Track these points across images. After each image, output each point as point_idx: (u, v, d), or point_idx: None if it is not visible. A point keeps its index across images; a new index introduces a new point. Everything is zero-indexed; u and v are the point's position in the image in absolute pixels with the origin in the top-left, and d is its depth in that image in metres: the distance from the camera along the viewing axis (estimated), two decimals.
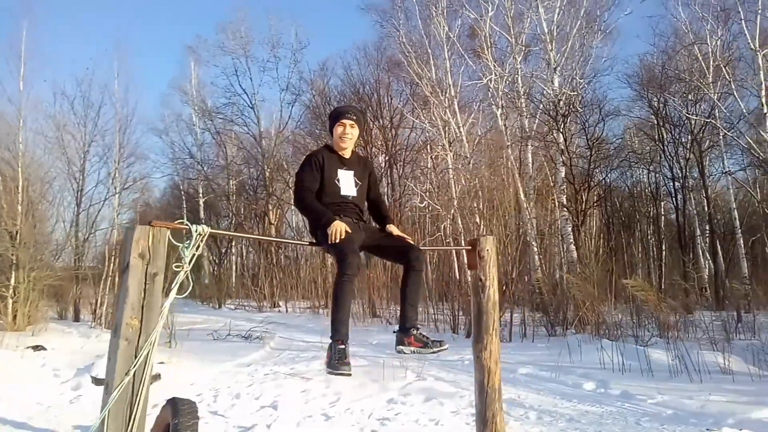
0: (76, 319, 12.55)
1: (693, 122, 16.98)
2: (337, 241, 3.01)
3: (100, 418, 2.42)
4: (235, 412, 5.94)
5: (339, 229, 3.01)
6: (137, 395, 2.49)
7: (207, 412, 5.66)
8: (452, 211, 16.14)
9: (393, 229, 3.34)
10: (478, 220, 14.93)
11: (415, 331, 3.18)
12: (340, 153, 3.37)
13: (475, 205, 15.38)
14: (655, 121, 18.83)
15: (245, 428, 5.07)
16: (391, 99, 21.99)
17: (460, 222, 15.69)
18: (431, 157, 20.10)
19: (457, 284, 12.54)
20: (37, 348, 8.35)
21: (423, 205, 18.39)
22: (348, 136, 3.33)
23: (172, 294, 2.73)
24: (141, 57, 40.90)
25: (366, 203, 3.44)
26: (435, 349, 3.21)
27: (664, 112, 18.28)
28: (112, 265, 12.47)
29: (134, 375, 2.49)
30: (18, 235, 10.25)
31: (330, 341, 3.06)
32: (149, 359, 2.56)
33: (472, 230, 14.67)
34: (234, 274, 23.99)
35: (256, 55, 23.63)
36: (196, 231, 2.81)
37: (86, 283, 12.86)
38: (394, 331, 3.39)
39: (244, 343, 10.31)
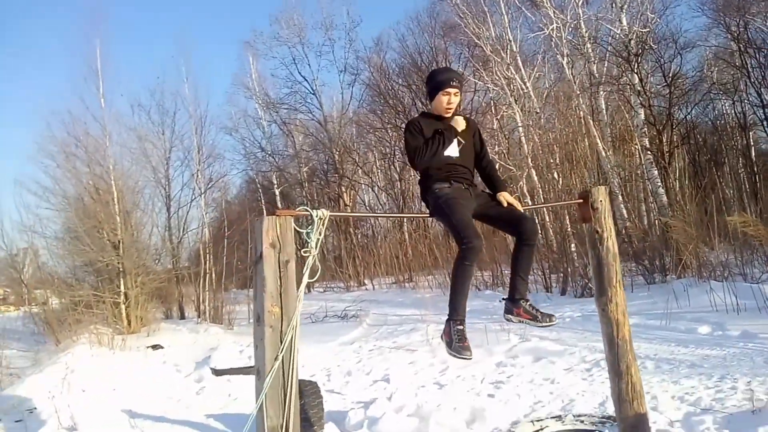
0: (182, 316, 13.21)
1: None
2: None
3: (258, 404, 2.54)
4: (351, 388, 6.14)
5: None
6: (287, 377, 2.59)
7: (324, 391, 5.84)
8: (526, 169, 15.80)
9: (506, 196, 3.20)
10: (555, 175, 14.55)
11: (524, 303, 3.13)
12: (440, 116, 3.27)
13: (551, 160, 14.97)
14: (736, 47, 17.59)
15: (365, 402, 5.19)
16: (450, 64, 21.59)
17: (536, 179, 15.34)
18: (496, 118, 19.66)
19: (545, 243, 12.28)
20: (155, 347, 8.91)
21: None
22: (452, 106, 3.22)
23: (305, 278, 2.81)
24: (202, 58, 41.88)
25: (475, 165, 3.36)
26: (545, 324, 3.14)
27: (745, 37, 17.04)
28: (207, 262, 13.04)
29: (282, 359, 2.59)
30: (121, 244, 10.85)
31: (448, 319, 3.00)
32: (294, 343, 2.65)
33: (548, 187, 14.31)
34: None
35: (311, 40, 23.93)
36: (317, 216, 2.87)
37: (184, 282, 13.51)
38: (501, 299, 3.37)
39: (341, 323, 10.59)
